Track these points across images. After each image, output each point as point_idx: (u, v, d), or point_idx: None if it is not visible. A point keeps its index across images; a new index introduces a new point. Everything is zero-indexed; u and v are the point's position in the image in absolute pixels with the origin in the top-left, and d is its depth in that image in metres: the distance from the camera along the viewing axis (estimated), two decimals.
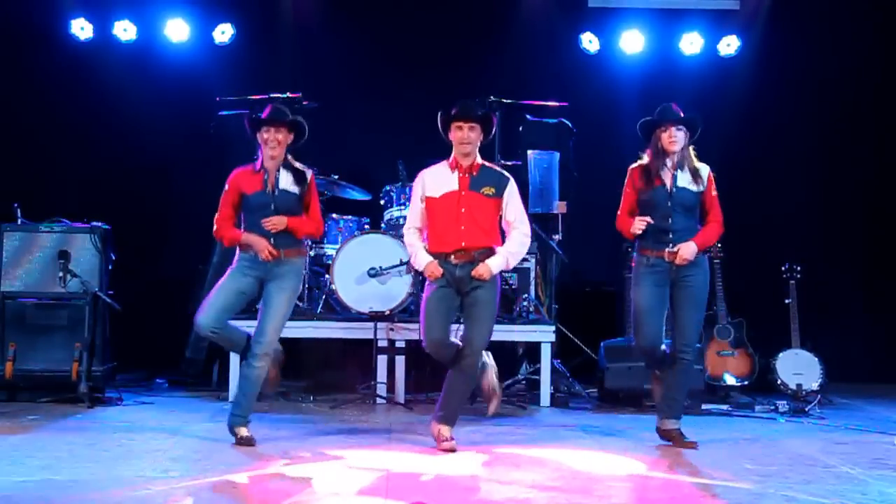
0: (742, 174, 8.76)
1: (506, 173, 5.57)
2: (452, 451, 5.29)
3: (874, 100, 8.95)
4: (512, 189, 5.49)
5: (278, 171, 5.44)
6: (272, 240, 5.37)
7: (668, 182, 5.50)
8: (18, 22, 8.57)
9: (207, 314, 5.37)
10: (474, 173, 5.44)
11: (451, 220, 5.39)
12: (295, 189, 5.46)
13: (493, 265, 5.36)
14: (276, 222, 5.37)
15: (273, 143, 5.38)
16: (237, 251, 5.52)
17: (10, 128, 8.54)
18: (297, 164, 5.53)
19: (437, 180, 5.48)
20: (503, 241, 5.48)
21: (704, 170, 5.56)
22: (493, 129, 5.56)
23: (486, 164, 5.55)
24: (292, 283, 5.45)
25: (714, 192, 5.57)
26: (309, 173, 5.54)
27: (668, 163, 5.52)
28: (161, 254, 8.78)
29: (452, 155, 5.47)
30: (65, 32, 8.76)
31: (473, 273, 5.33)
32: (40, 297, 6.81)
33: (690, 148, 5.56)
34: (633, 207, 5.61)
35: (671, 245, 5.46)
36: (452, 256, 5.36)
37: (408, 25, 8.81)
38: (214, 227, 5.55)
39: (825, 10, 8.83)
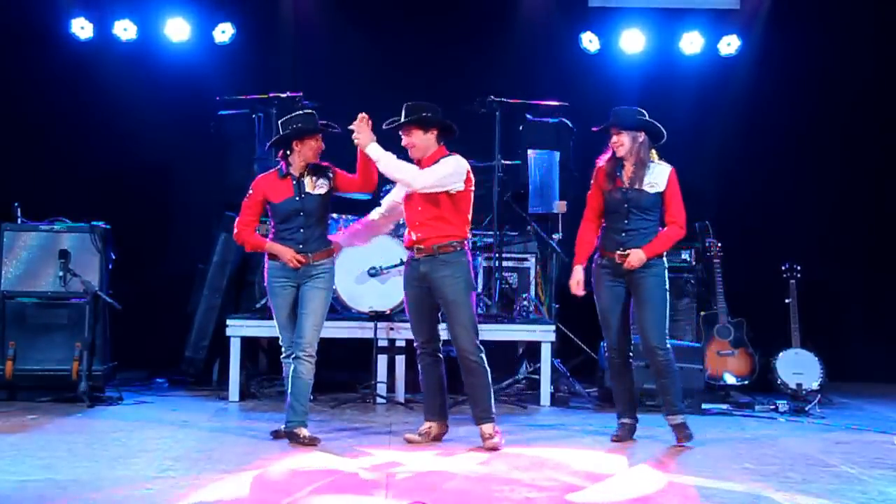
0: (742, 174, 8.75)
1: None
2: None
3: (875, 99, 8.92)
4: None
5: (303, 175, 5.46)
6: (301, 245, 5.40)
7: (625, 183, 5.54)
8: (19, 21, 8.55)
9: (286, 338, 5.47)
10: None
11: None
12: (319, 190, 5.49)
13: None
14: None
15: (319, 152, 5.46)
16: (265, 259, 5.55)
17: (11, 127, 8.53)
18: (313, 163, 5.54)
19: None
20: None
21: (664, 170, 5.55)
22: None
23: None
24: (326, 283, 5.48)
25: (674, 192, 5.54)
26: (329, 168, 5.56)
27: (626, 165, 5.55)
28: (161, 254, 8.77)
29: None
30: (65, 32, 8.74)
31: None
32: (40, 297, 6.82)
33: (652, 150, 5.57)
34: (598, 210, 5.66)
35: (622, 248, 5.50)
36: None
37: (408, 25, 8.80)
38: (235, 231, 5.57)
39: (825, 10, 8.80)
